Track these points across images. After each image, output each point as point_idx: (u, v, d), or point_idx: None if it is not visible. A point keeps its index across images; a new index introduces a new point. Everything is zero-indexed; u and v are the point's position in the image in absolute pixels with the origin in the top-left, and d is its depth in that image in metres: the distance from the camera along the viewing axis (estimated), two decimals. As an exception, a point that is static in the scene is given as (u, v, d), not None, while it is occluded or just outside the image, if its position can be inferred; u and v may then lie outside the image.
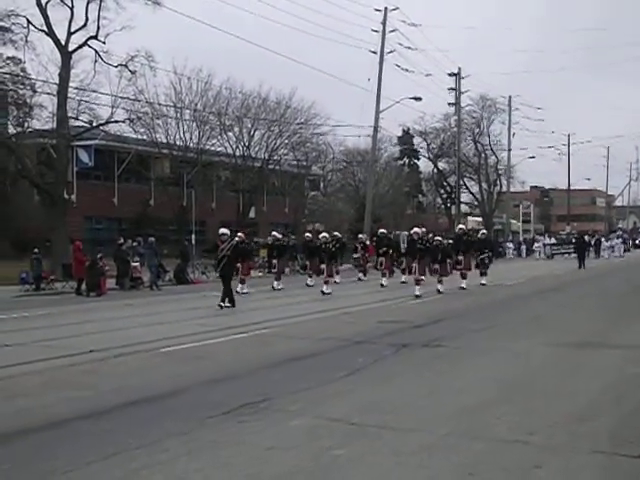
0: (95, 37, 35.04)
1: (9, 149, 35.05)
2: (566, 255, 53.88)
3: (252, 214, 53.32)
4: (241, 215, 51.80)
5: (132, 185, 50.17)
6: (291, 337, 13.72)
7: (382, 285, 26.30)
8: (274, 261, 27.28)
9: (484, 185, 74.54)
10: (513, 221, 79.05)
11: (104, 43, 35.43)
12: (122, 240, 29.53)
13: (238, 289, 23.27)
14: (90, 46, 35.30)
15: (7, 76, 36.60)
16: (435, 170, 74.03)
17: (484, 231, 29.94)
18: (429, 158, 73.51)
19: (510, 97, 68.94)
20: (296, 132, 53.28)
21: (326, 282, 23.72)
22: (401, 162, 72.27)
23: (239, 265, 22.97)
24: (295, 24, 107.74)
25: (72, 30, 34.61)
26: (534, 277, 31.74)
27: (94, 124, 37.76)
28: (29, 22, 34.34)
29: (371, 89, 46.33)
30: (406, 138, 71.33)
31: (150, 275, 28.85)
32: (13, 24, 34.60)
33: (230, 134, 51.06)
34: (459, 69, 60.50)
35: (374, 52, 46.67)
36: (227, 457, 6.11)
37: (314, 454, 6.16)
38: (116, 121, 38.65)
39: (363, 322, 15.89)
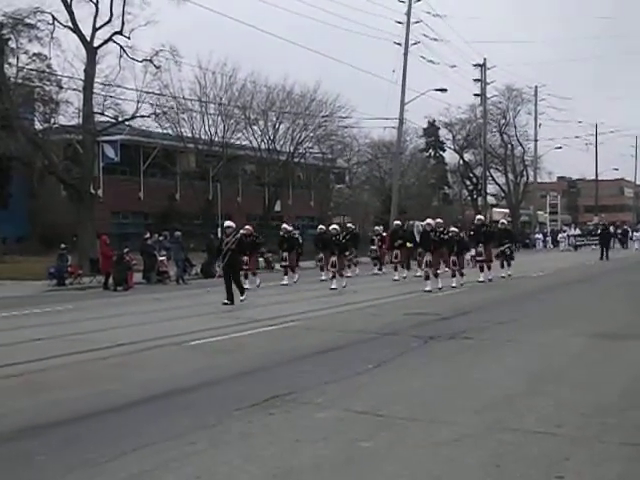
0: (120, 32, 35.17)
1: (36, 145, 35.29)
2: (593, 246, 53.38)
3: (278, 207, 53.38)
4: (267, 208, 51.88)
5: (158, 180, 50.40)
6: (317, 330, 13.75)
7: (394, 280, 25.86)
8: (285, 254, 26.42)
9: (510, 176, 74.07)
10: (540, 212, 78.45)
11: (129, 38, 35.59)
12: (148, 234, 29.70)
13: (249, 284, 23.03)
14: (115, 41, 35.47)
15: (33, 73, 36.89)
16: (461, 161, 73.59)
17: (503, 221, 29.57)
18: (455, 149, 73.15)
19: (536, 87, 68.54)
20: (321, 125, 53.15)
21: (340, 275, 23.02)
22: (427, 154, 71.91)
23: (246, 259, 22.42)
24: (319, 17, 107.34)
25: (97, 26, 34.74)
26: (559, 269, 31.50)
27: (120, 119, 37.90)
28: (54, 19, 34.57)
29: (396, 81, 46.19)
30: (432, 130, 70.97)
31: (176, 269, 28.98)
32: (39, 21, 34.87)
33: (255, 128, 51.16)
34: (484, 60, 60.27)
35: (399, 44, 46.54)
36: (255, 449, 6.13)
37: (342, 446, 6.17)
38: (141, 116, 38.78)
39: (388, 315, 15.89)
